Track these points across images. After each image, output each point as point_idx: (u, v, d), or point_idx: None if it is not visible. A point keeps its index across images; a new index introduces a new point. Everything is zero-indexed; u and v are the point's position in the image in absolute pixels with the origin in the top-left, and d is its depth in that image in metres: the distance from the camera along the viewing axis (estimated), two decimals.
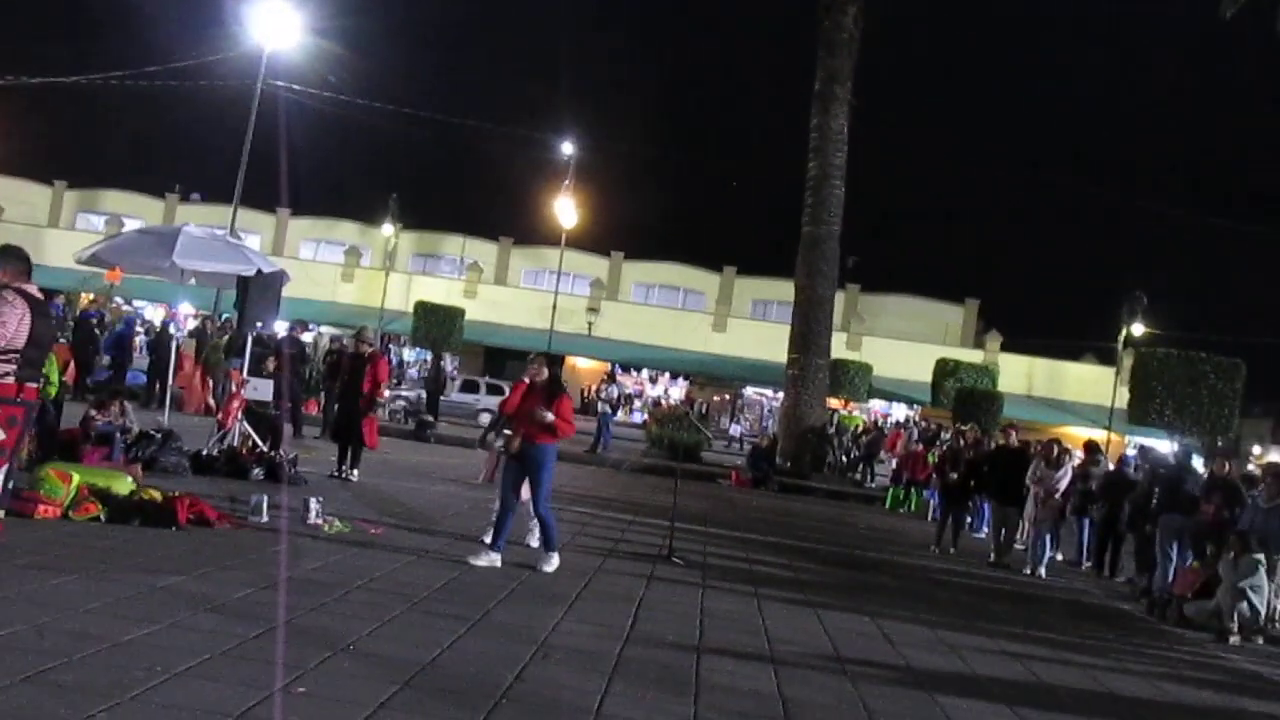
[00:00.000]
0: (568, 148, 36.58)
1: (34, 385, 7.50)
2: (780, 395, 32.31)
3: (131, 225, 35.54)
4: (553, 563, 9.65)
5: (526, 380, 9.89)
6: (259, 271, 13.83)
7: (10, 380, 7.22)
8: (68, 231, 51.54)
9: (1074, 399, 45.57)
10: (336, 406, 15.66)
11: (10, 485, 7.90)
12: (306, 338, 29.08)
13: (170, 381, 18.86)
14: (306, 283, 45.67)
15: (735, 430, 42.33)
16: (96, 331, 24.35)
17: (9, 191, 55.21)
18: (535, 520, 10.19)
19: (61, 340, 22.04)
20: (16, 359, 7.22)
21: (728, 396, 51.87)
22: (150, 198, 56.39)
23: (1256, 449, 53.06)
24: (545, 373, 9.86)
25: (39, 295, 7.57)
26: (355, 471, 14.24)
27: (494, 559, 9.40)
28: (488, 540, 9.67)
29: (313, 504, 10.31)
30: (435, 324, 40.63)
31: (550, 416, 9.48)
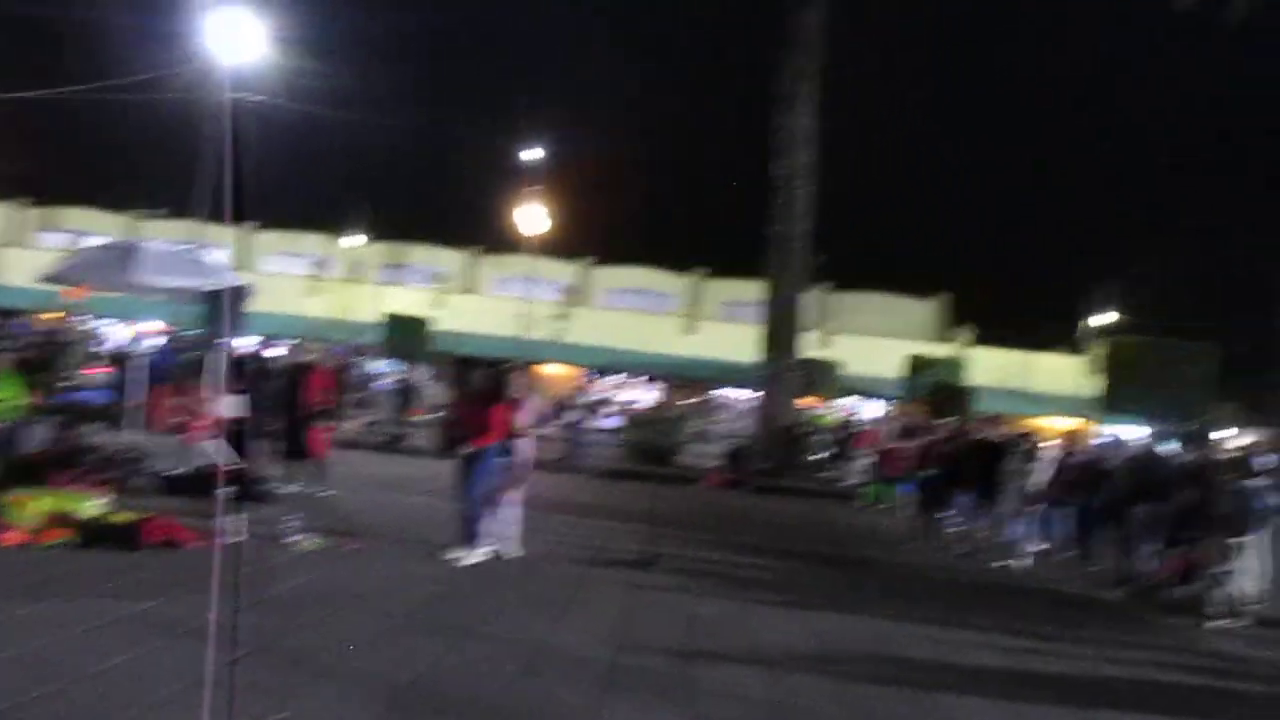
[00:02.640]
0: (535, 154, 36.38)
1: None
2: (754, 395, 32.27)
3: (94, 242, 35.12)
4: (471, 557, 9.82)
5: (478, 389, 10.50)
6: (224, 286, 13.61)
7: None
8: (30, 251, 50.80)
9: (1047, 390, 45.77)
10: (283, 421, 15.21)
11: None
12: (275, 352, 28.80)
13: (138, 400, 18.56)
14: (273, 296, 45.31)
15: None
16: (62, 351, 24.02)
17: None
18: (509, 526, 10.58)
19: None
20: None
21: (700, 399, 51.82)
22: (112, 213, 55.75)
23: (1227, 432, 53.62)
24: (491, 382, 10.47)
25: None
26: (324, 487, 13.99)
27: (478, 553, 9.73)
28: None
29: (287, 521, 10.13)
30: (405, 335, 40.30)
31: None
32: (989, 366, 45.55)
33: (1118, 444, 25.23)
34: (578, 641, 7.35)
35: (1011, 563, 14.61)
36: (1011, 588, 12.92)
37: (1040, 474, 15.24)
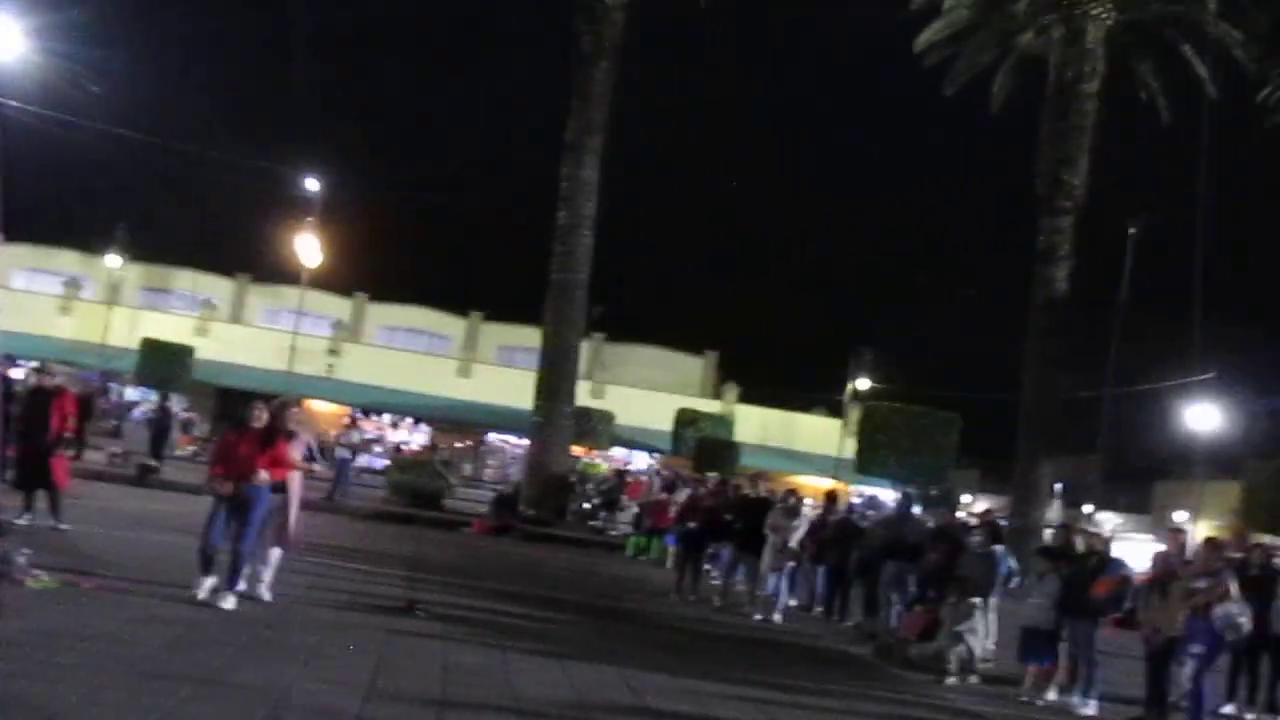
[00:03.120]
0: (312, 184, 35.49)
1: None
2: (525, 442, 32.21)
3: None
4: (229, 601, 9.52)
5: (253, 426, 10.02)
6: None
7: None
8: None
9: (806, 449, 47.55)
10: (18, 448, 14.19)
11: None
12: (16, 374, 26.87)
13: None
14: (20, 315, 42.47)
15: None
16: None
17: None
18: (263, 568, 10.32)
19: None
20: None
21: (471, 443, 51.34)
22: None
23: (967, 497, 56.86)
24: (269, 416, 10.03)
25: None
26: (60, 520, 13.13)
27: (234, 597, 9.50)
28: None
29: (15, 556, 9.42)
30: (163, 362, 38.36)
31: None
32: (753, 424, 47.06)
33: (874, 504, 26.48)
34: (327, 690, 7.12)
35: (769, 617, 15.04)
36: (766, 641, 13.30)
37: (800, 530, 15.77)
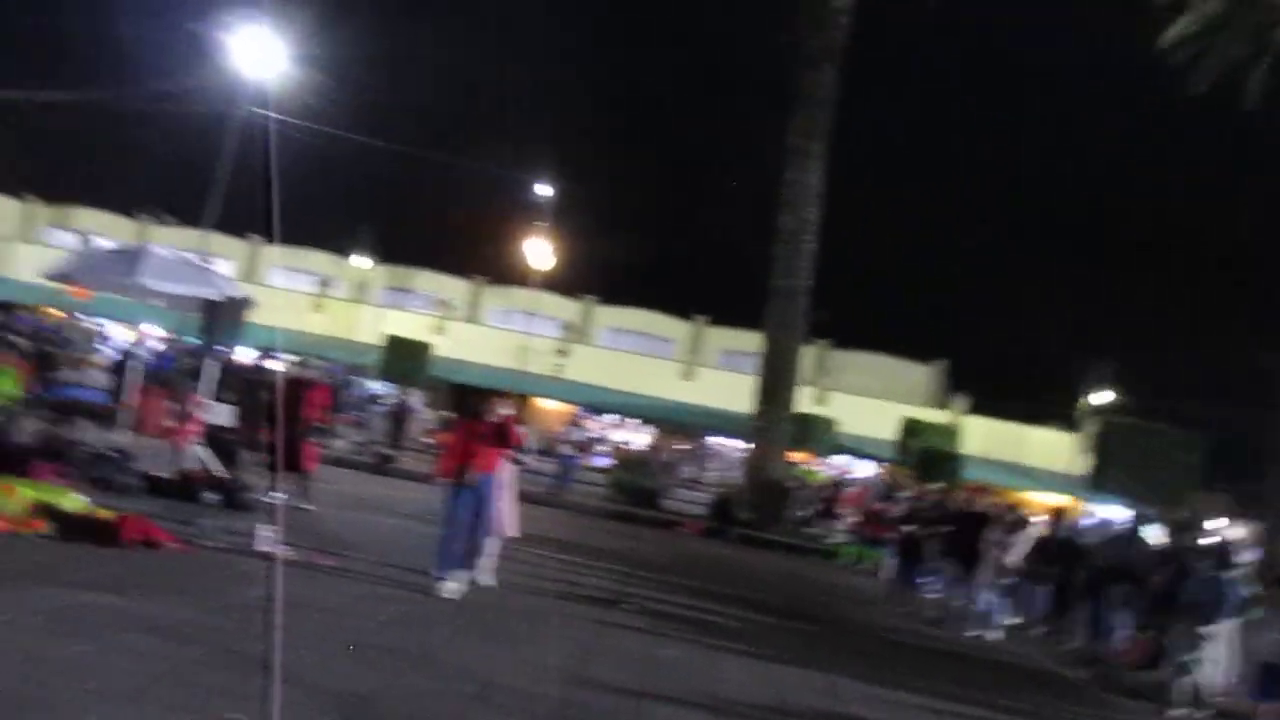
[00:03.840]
0: (544, 189, 36.73)
1: None
2: (745, 446, 32.31)
3: (102, 243, 35.34)
4: (453, 588, 9.67)
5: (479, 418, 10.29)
6: (223, 296, 13.78)
7: None
8: (37, 246, 51.09)
9: (1036, 464, 45.81)
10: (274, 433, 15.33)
11: None
12: (272, 365, 28.91)
13: (129, 402, 18.69)
14: (276, 311, 45.50)
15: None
16: (57, 347, 24.20)
17: None
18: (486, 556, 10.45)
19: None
20: None
21: (692, 445, 51.84)
22: (122, 217, 56.10)
23: (1219, 522, 53.57)
24: (492, 410, 10.23)
25: None
26: (308, 501, 14.10)
27: (459, 584, 9.62)
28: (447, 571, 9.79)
29: (263, 530, 10.22)
30: (403, 358, 40.45)
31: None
32: (980, 435, 45.62)
33: (1102, 524, 25.32)
34: (532, 675, 7.43)
35: (983, 633, 14.66)
36: (978, 658, 12.97)
37: (1021, 547, 15.30)
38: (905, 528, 17.21)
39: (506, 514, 11.02)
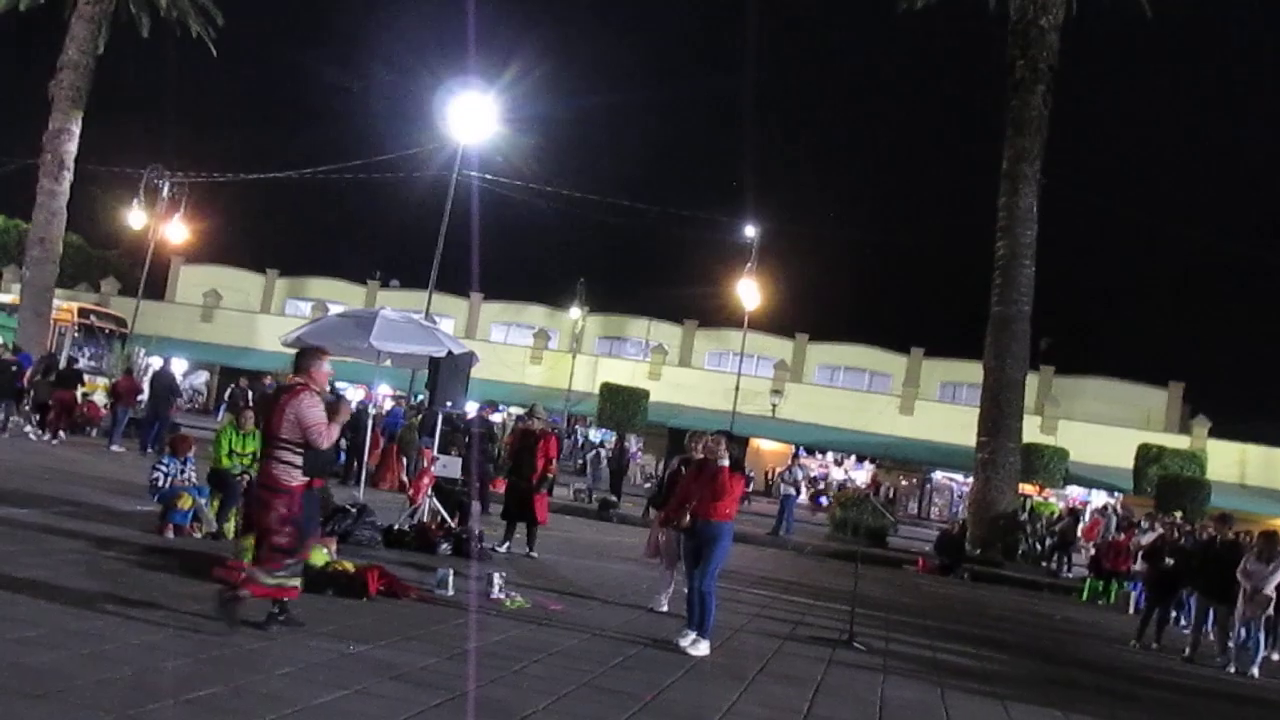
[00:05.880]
0: (750, 229, 36.87)
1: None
2: (970, 480, 31.36)
3: (334, 310, 37.47)
4: (701, 648, 9.15)
5: (699, 457, 9.94)
6: (449, 353, 14.35)
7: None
8: (278, 317, 54.54)
9: None
10: (508, 484, 15.78)
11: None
12: (495, 418, 29.90)
13: (366, 459, 19.66)
14: (496, 364, 47.03)
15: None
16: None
17: (226, 280, 58.99)
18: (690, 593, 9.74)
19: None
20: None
21: (915, 480, 50.64)
22: (352, 284, 59.30)
23: None
24: (721, 450, 9.55)
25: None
26: (534, 549, 14.45)
27: (702, 646, 9.18)
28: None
29: (496, 579, 10.54)
30: (620, 405, 41.20)
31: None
32: (1226, 461, 42.86)
33: None
34: (765, 715, 7.38)
35: (1243, 670, 13.71)
36: (1240, 696, 12.13)
37: (1276, 579, 14.24)
38: (1153, 560, 16.28)
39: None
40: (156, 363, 32.69)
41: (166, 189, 36.14)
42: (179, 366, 41.62)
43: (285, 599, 7.80)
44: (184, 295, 59.14)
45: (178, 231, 39.32)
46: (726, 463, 9.53)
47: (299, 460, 7.70)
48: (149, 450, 21.00)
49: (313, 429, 7.63)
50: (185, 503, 12.00)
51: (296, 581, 7.86)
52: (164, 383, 23.74)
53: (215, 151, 78.94)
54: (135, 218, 36.30)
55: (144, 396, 24.03)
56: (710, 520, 9.41)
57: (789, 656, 9.92)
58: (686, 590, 9.56)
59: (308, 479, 7.81)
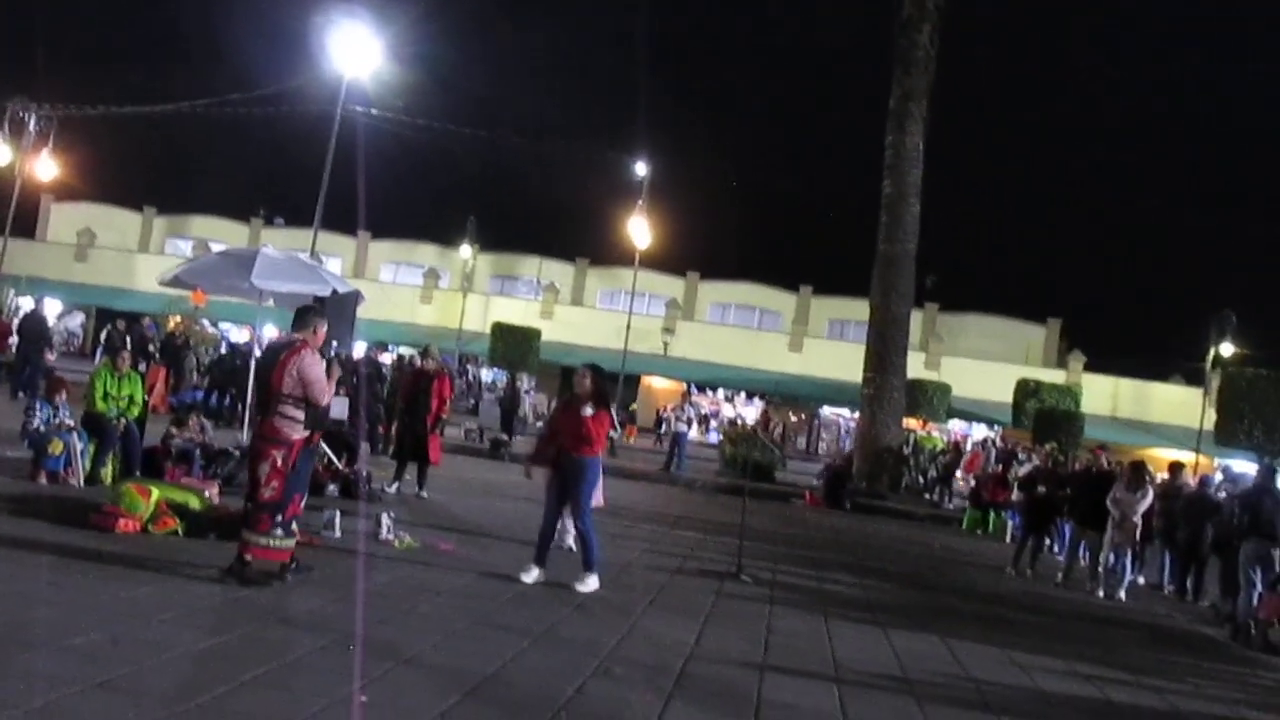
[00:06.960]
0: (641, 168, 36.74)
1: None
2: (857, 415, 32.02)
3: (216, 248, 36.46)
4: (589, 583, 9.18)
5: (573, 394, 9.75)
6: (334, 292, 14.05)
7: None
8: (157, 256, 52.89)
9: (1160, 420, 44.57)
10: (399, 425, 15.65)
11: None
12: (385, 359, 29.55)
13: (250, 401, 19.24)
14: (386, 305, 46.44)
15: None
16: (187, 353, 25.10)
17: (102, 218, 56.96)
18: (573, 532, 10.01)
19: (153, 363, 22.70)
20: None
21: (804, 416, 51.54)
22: (235, 222, 57.76)
23: None
24: (588, 384, 9.46)
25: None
26: (424, 489, 14.39)
27: (536, 574, 9.21)
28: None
29: (385, 520, 10.47)
30: (512, 345, 41.00)
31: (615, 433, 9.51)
32: (1101, 394, 44.51)
33: (1232, 478, 24.53)
34: (653, 648, 7.48)
35: (1112, 594, 14.34)
36: (1107, 619, 12.67)
37: (1142, 506, 14.89)
38: (1028, 490, 16.87)
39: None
40: (28, 304, 31.46)
41: (33, 122, 34.60)
42: (53, 308, 40.12)
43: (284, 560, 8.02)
44: (56, 234, 56.99)
45: (47, 168, 37.66)
46: (589, 383, 9.43)
47: (300, 415, 7.92)
48: (20, 395, 20.27)
49: (314, 385, 7.89)
50: (57, 448, 11.62)
51: (291, 542, 8.05)
52: (34, 326, 22.87)
53: (90, 86, 75.85)
54: None
55: (14, 340, 23.14)
56: (572, 455, 9.30)
57: (678, 590, 10.07)
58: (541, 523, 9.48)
59: (308, 432, 8.01)
